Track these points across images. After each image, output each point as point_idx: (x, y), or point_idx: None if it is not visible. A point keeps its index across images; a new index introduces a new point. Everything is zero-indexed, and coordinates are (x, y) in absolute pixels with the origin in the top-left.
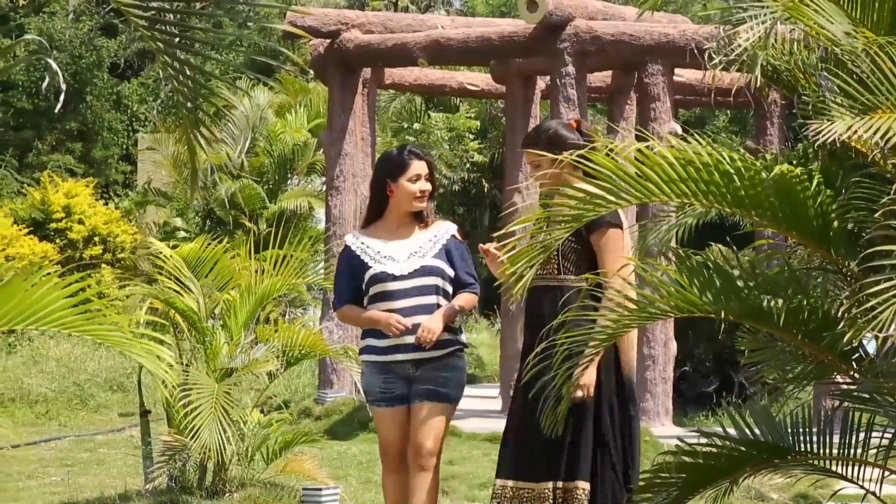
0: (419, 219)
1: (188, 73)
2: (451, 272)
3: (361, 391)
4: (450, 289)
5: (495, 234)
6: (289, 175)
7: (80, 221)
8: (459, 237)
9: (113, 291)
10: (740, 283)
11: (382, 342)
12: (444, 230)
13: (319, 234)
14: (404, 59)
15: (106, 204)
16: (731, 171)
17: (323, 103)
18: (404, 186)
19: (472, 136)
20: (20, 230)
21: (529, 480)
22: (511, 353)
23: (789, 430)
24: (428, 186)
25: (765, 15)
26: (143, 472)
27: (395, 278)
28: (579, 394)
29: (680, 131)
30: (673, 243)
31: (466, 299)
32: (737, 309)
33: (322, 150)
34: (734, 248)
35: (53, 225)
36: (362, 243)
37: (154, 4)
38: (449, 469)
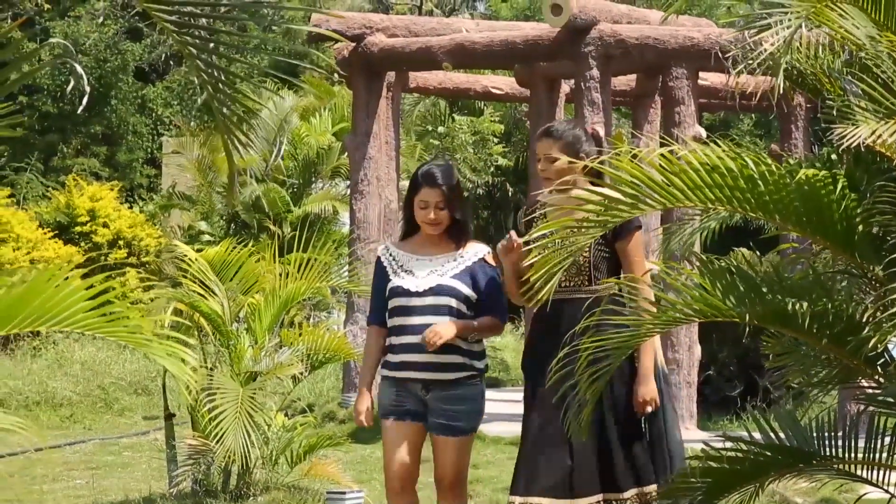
0: (452, 237)
1: (220, 76)
2: (470, 294)
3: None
4: (467, 312)
5: (523, 239)
6: (313, 179)
7: (105, 225)
8: (491, 262)
9: (138, 294)
10: (764, 288)
11: (395, 357)
12: (474, 252)
13: (343, 238)
14: (429, 63)
15: (131, 207)
16: (756, 175)
17: (347, 107)
18: (415, 209)
19: (496, 140)
20: (45, 234)
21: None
22: None
23: (814, 435)
24: (439, 217)
25: (789, 19)
26: (168, 475)
27: (409, 294)
28: (649, 409)
29: (704, 135)
30: (697, 247)
31: (487, 322)
32: (761, 313)
33: (346, 153)
34: (758, 252)
35: (78, 228)
36: (391, 255)
37: (183, 9)
38: (473, 473)
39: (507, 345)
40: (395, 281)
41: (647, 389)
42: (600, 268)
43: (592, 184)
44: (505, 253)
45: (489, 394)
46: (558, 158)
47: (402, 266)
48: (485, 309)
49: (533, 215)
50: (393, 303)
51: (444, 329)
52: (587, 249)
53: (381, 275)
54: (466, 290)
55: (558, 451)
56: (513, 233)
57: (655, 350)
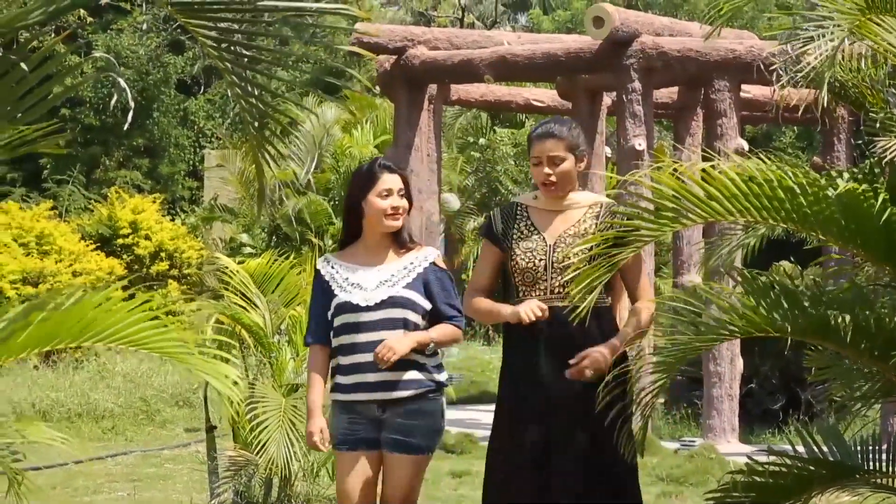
0: (397, 242)
1: (255, 91)
2: (425, 305)
3: None
4: (422, 324)
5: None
6: None
7: (147, 237)
8: (442, 265)
9: (179, 307)
10: (806, 301)
11: (346, 379)
12: (423, 257)
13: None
14: (470, 76)
15: (172, 220)
16: (795, 187)
17: (389, 119)
18: (374, 203)
19: None
20: (87, 246)
21: None
22: None
23: (857, 449)
24: (402, 203)
25: (832, 32)
26: (209, 487)
27: (359, 309)
28: (589, 373)
29: (747, 148)
30: (738, 262)
31: (445, 332)
32: (803, 327)
33: None
34: (799, 265)
35: (120, 241)
36: (332, 268)
37: (221, 25)
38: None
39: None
40: (342, 296)
41: (598, 359)
42: None
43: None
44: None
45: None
46: (565, 159)
47: (346, 279)
48: (440, 317)
49: (517, 218)
50: (340, 320)
51: (397, 343)
52: (586, 253)
53: (321, 291)
54: (421, 300)
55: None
56: (536, 307)
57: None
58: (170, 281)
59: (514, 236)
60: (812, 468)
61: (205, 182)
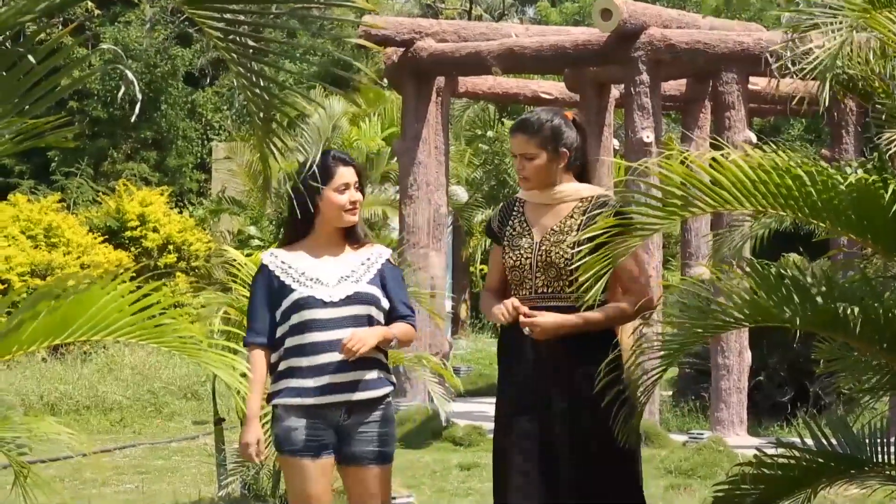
0: (351, 237)
1: (262, 82)
2: (385, 303)
3: (434, 399)
4: (383, 321)
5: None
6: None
7: (155, 230)
8: (394, 262)
9: (187, 299)
10: (815, 293)
11: (309, 382)
12: (378, 253)
13: (393, 243)
14: (478, 68)
15: (180, 212)
16: (805, 176)
17: (397, 112)
18: (331, 198)
19: None
20: (95, 238)
21: None
22: None
23: (866, 441)
24: (359, 197)
25: (839, 23)
26: (217, 479)
27: (323, 304)
28: (527, 330)
29: (755, 140)
30: (747, 253)
31: (404, 330)
32: (812, 318)
33: (396, 158)
34: (808, 258)
35: (128, 233)
36: (283, 262)
37: (228, 16)
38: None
39: None
40: (302, 291)
41: (551, 327)
42: None
43: (579, 178)
44: (503, 320)
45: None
46: (536, 156)
47: (303, 273)
48: (396, 315)
49: (512, 213)
50: (299, 317)
51: (367, 335)
52: (566, 250)
53: (269, 286)
54: (383, 297)
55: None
56: (517, 308)
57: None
58: (178, 273)
59: (508, 233)
60: (820, 460)
61: (212, 174)
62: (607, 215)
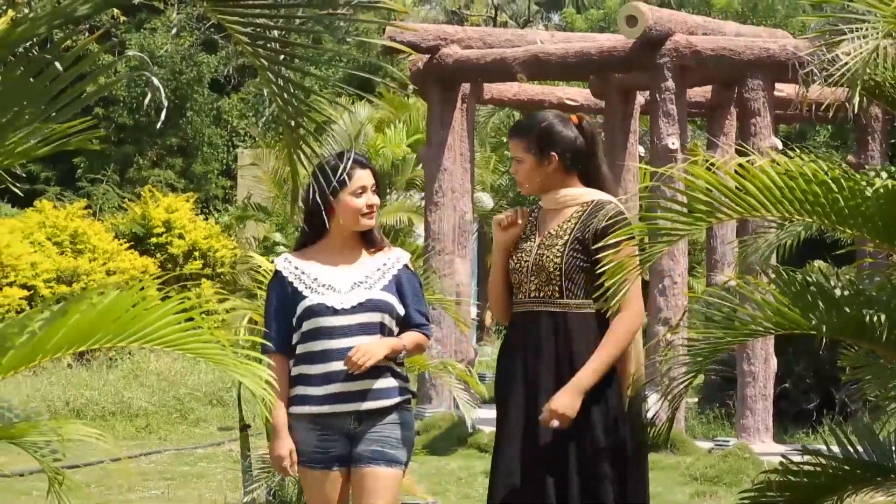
0: (368, 241)
1: (290, 87)
2: (400, 309)
3: (460, 406)
4: (396, 330)
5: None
6: (388, 190)
7: (181, 236)
8: (412, 268)
9: (212, 306)
10: (841, 300)
11: (318, 390)
12: (396, 258)
13: (418, 250)
14: (503, 75)
15: (206, 219)
16: (832, 182)
17: (422, 119)
18: (348, 202)
19: None
20: (121, 245)
21: None
22: None
23: (892, 448)
24: (376, 200)
25: (866, 30)
26: (242, 486)
27: (334, 312)
28: (554, 423)
29: (780, 146)
30: (773, 261)
31: (416, 339)
32: (838, 325)
33: (421, 165)
34: (834, 265)
35: (154, 240)
36: (296, 268)
37: (258, 21)
38: None
39: None
40: (313, 298)
41: (564, 402)
42: (574, 279)
43: (586, 183)
44: (502, 228)
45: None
46: (523, 160)
47: (315, 280)
48: (409, 323)
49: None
50: (310, 324)
51: (374, 347)
52: (558, 255)
53: (283, 292)
54: (397, 304)
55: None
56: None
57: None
58: (203, 280)
59: (520, 237)
60: (846, 468)
61: (238, 181)
62: (599, 221)
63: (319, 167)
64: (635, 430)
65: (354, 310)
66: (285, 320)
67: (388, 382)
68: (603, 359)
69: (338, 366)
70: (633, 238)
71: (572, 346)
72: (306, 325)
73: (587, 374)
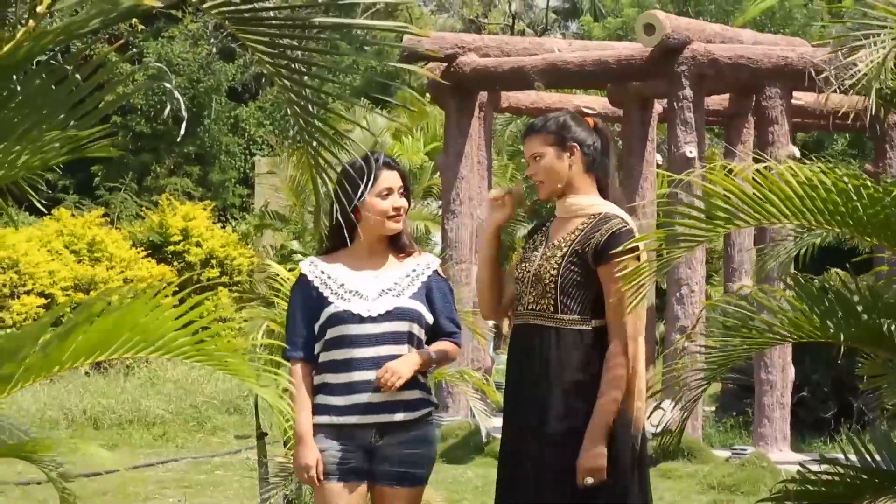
0: (396, 246)
1: (307, 94)
2: (429, 318)
3: (476, 415)
4: (424, 338)
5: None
6: None
7: (198, 244)
8: (443, 274)
9: (230, 313)
10: (860, 308)
11: (339, 400)
12: (426, 264)
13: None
14: (521, 83)
15: (223, 227)
16: (851, 190)
17: (439, 127)
18: (374, 204)
19: None
20: (138, 253)
21: None
22: None
23: None
24: (403, 203)
25: (883, 39)
26: (259, 494)
27: (361, 320)
28: (589, 480)
29: (798, 155)
30: (791, 268)
31: (446, 349)
32: (856, 334)
33: (438, 173)
34: (852, 273)
35: (171, 248)
36: (322, 272)
37: (272, 31)
38: None
39: None
40: (339, 304)
41: (590, 455)
42: (570, 293)
43: (599, 191)
44: (496, 206)
45: None
46: (543, 154)
47: (342, 286)
48: (439, 332)
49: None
50: (335, 332)
51: (403, 366)
52: (555, 267)
53: (308, 297)
54: (426, 313)
55: None
56: (513, 188)
57: (627, 402)
58: (220, 288)
59: (528, 247)
60: (864, 476)
61: (255, 189)
62: (602, 235)
63: (344, 170)
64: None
65: (382, 318)
66: (308, 326)
67: (413, 394)
68: (607, 403)
69: (361, 375)
70: (635, 253)
71: (565, 364)
72: (331, 333)
73: (596, 423)
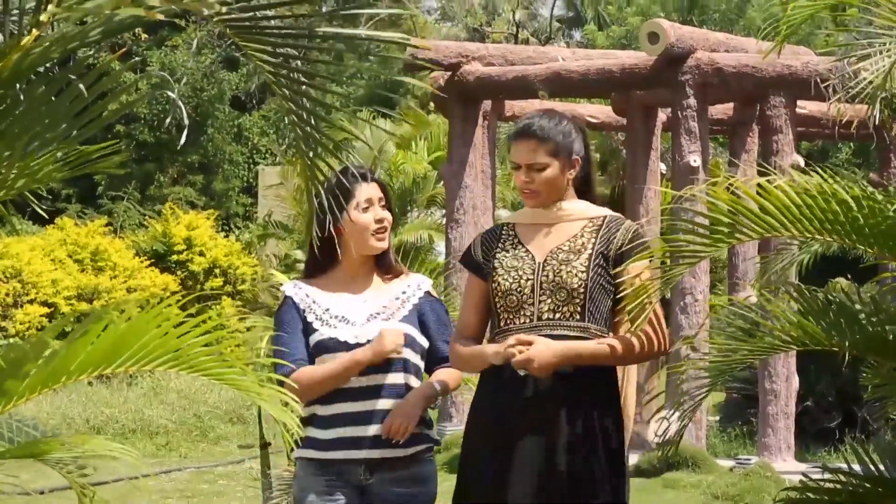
0: (382, 267)
1: (308, 104)
2: (424, 343)
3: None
4: (421, 365)
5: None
6: (409, 207)
7: (201, 253)
8: (435, 294)
9: (234, 324)
10: (863, 317)
11: (325, 433)
12: (416, 284)
13: (439, 267)
14: (525, 92)
15: (227, 236)
16: (851, 201)
17: (443, 136)
18: (354, 219)
19: None
20: (142, 262)
21: None
22: None
23: None
24: (386, 215)
25: (888, 46)
26: None
27: (348, 347)
28: (521, 371)
29: (802, 164)
30: (793, 278)
31: (452, 377)
32: (859, 343)
33: (442, 182)
34: (856, 283)
35: (175, 257)
36: (307, 296)
37: (274, 40)
38: None
39: None
40: (325, 331)
41: (546, 354)
42: (596, 299)
43: (578, 190)
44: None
45: None
46: (548, 166)
47: (327, 311)
48: (436, 357)
49: (502, 237)
50: (321, 361)
51: (410, 408)
52: (582, 269)
53: (295, 319)
54: (420, 338)
55: None
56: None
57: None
58: (224, 297)
59: (498, 259)
60: (868, 486)
61: (259, 198)
62: (624, 236)
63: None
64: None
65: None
66: (297, 341)
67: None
68: (606, 350)
69: (349, 407)
70: (654, 258)
71: (589, 375)
72: (318, 362)
73: (581, 347)
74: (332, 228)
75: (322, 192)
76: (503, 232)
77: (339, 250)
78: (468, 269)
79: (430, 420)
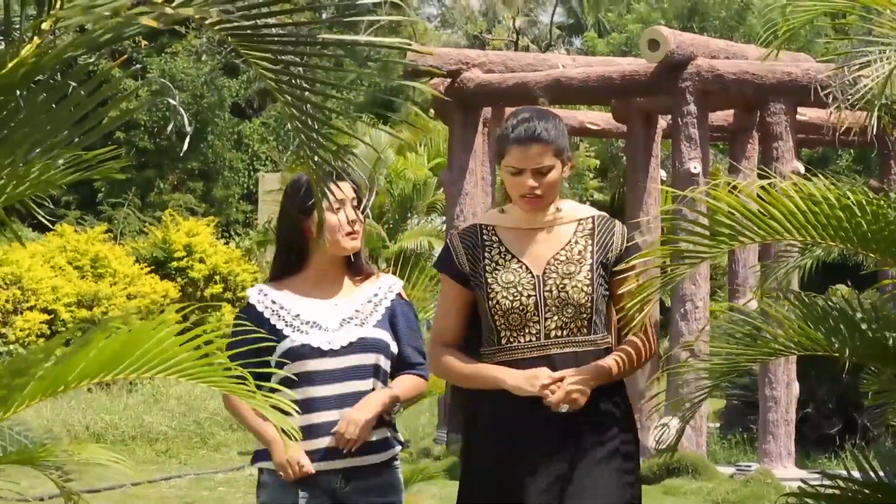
0: (352, 268)
1: (310, 110)
2: (394, 347)
3: None
4: (389, 371)
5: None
6: (409, 214)
7: (201, 260)
8: (406, 297)
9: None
10: (864, 324)
11: (302, 444)
12: (388, 286)
13: (438, 274)
14: (525, 98)
15: (227, 243)
16: (854, 206)
17: (443, 142)
18: (325, 220)
19: (591, 175)
20: (142, 269)
21: None
22: None
23: None
24: (358, 216)
25: (888, 53)
26: None
27: (321, 354)
28: (564, 407)
29: (803, 170)
30: (794, 285)
31: (411, 385)
32: (860, 349)
33: (442, 189)
34: (857, 290)
35: (175, 264)
36: (273, 302)
37: (275, 47)
38: None
39: None
40: (295, 337)
41: (578, 386)
42: (601, 310)
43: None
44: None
45: None
46: (553, 167)
47: (297, 316)
48: (403, 363)
49: (487, 243)
50: (292, 368)
51: (361, 416)
52: (587, 282)
53: (255, 329)
54: (392, 342)
55: None
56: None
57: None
58: (224, 304)
59: (487, 269)
60: (867, 492)
61: (259, 205)
62: (621, 241)
63: (289, 189)
64: None
65: (345, 350)
66: (257, 356)
67: (380, 433)
68: (621, 360)
69: (322, 417)
70: (653, 260)
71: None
72: (287, 370)
73: (605, 366)
74: (301, 228)
75: (288, 192)
76: (484, 237)
77: (308, 251)
78: (452, 278)
79: (394, 423)
